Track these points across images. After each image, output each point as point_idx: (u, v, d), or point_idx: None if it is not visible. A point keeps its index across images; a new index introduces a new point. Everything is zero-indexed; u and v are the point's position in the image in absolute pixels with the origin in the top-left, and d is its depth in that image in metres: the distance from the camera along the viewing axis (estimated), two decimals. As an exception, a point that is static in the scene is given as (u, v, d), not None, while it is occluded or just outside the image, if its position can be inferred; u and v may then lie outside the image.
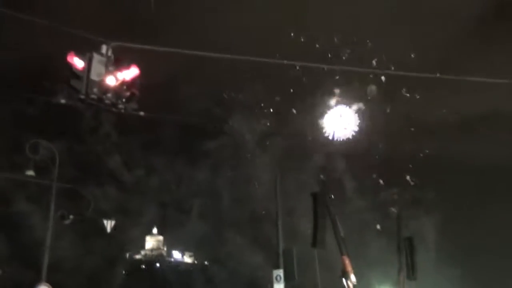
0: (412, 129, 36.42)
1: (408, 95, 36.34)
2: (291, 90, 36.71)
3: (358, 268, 22.28)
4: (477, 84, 20.25)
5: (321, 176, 35.77)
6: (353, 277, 20.77)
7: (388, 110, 36.56)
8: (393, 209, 33.13)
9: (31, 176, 18.62)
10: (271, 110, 38.16)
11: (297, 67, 34.21)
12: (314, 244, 20.94)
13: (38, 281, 18.27)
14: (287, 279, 20.60)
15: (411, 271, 23.15)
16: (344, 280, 20.68)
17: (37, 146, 18.58)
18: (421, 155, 37.81)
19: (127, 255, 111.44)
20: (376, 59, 34.95)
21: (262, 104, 41.08)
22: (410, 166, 38.39)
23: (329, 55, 35.21)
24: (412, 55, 34.96)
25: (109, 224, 22.70)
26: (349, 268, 20.85)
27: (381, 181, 37.21)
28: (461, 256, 47.00)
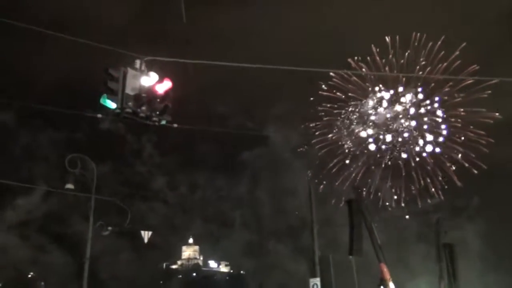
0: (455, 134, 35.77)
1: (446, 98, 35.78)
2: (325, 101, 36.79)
3: (397, 276, 21.86)
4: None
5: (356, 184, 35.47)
6: (392, 285, 20.37)
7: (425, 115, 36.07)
8: (433, 216, 32.44)
9: (70, 190, 19.15)
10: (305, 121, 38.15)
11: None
12: (350, 252, 20.71)
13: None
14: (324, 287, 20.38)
15: (452, 279, 22.50)
16: (382, 288, 20.33)
17: (76, 161, 19.15)
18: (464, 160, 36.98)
19: (164, 265, 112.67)
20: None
21: (296, 116, 41.18)
22: (453, 171, 37.59)
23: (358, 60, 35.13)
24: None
25: (146, 235, 23.17)
26: (387, 275, 20.47)
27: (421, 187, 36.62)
28: (506, 262, 45.42)
